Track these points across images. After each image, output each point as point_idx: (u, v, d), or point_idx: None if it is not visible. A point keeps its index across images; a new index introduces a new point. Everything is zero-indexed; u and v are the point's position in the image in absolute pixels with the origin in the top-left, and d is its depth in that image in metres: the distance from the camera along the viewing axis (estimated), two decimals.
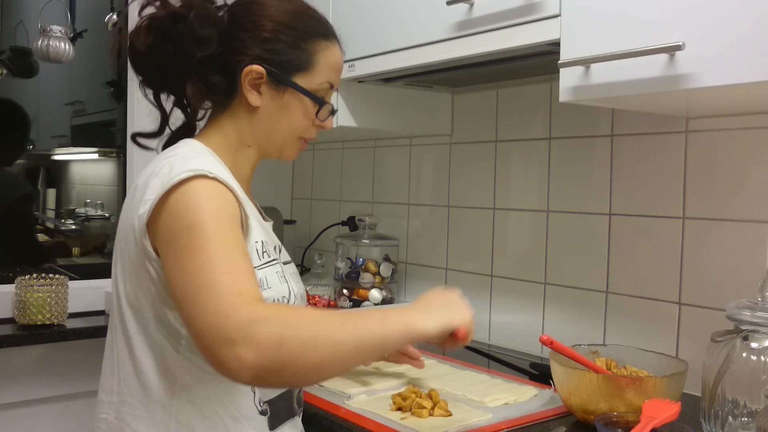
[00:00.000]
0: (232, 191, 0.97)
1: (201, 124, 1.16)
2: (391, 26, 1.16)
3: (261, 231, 1.09)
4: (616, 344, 1.33)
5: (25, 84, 2.68)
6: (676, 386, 1.11)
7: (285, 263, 1.14)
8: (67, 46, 2.18)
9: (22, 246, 2.51)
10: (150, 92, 1.14)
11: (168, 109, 1.15)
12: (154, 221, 0.96)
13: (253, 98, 1.08)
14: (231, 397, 1.02)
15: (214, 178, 0.96)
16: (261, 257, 1.06)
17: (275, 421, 1.07)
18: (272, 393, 1.07)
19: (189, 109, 1.13)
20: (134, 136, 1.17)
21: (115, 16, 2.30)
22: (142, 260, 0.99)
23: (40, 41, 2.15)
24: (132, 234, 0.99)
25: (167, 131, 1.16)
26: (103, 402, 1.07)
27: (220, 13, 1.10)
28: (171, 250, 0.92)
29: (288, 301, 1.09)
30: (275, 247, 1.13)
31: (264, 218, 1.16)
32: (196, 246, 0.90)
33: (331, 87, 1.14)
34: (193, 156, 1.01)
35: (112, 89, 2.63)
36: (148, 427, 1.01)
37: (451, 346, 1.03)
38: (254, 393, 1.04)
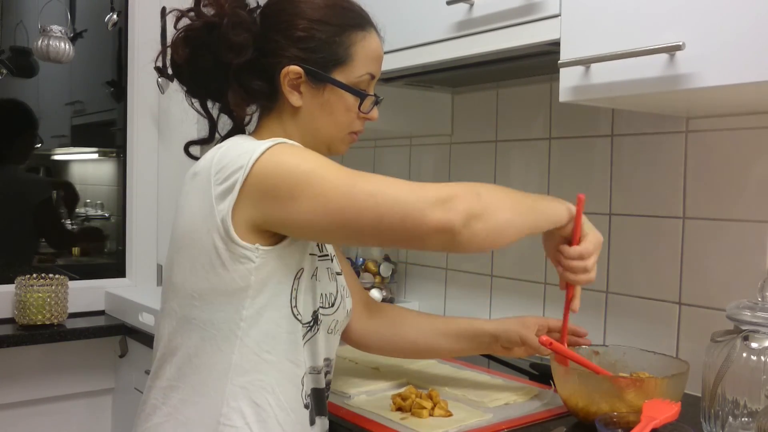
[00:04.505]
0: None
1: (250, 127, 1.17)
2: (391, 26, 1.16)
3: None
4: (618, 345, 1.32)
5: (25, 84, 2.68)
6: (678, 387, 1.11)
7: (337, 273, 1.16)
8: (67, 46, 2.18)
9: (55, 235, 2.69)
10: (196, 101, 1.15)
11: (215, 116, 1.16)
12: (244, 198, 0.96)
13: (294, 99, 1.08)
14: (282, 387, 1.03)
15: (294, 144, 1.00)
16: (321, 249, 1.10)
17: (313, 415, 1.09)
18: (309, 387, 1.08)
19: (235, 115, 1.13)
20: (186, 147, 1.16)
21: (115, 16, 2.31)
22: (212, 241, 0.99)
23: (40, 41, 2.15)
24: (199, 215, 0.99)
25: (217, 137, 1.17)
26: (152, 387, 1.08)
27: (253, 16, 1.10)
28: (304, 196, 0.95)
29: (335, 300, 1.12)
30: (327, 254, 1.14)
31: None
32: (332, 174, 0.96)
33: (372, 78, 1.13)
34: (253, 139, 1.04)
35: (112, 89, 2.63)
36: (199, 411, 1.01)
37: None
38: (302, 386, 1.06)
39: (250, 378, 1.01)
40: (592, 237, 1.10)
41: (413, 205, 0.93)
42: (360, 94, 1.10)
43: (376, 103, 1.14)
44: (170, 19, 1.10)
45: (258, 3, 1.13)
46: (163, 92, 2.27)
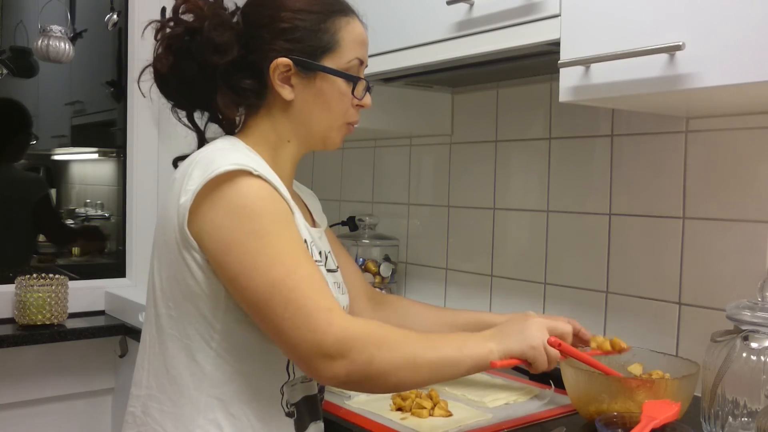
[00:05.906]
0: (277, 190, 0.98)
1: None
2: (391, 26, 1.16)
3: (305, 231, 1.08)
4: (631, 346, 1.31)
5: (25, 84, 2.69)
6: (688, 388, 1.10)
7: (329, 270, 1.14)
8: (67, 46, 2.18)
9: (54, 233, 2.73)
10: (183, 115, 1.14)
11: (202, 127, 1.15)
12: (197, 211, 0.96)
13: (286, 93, 1.07)
14: (260, 397, 1.02)
15: (259, 176, 0.96)
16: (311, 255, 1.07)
17: (301, 424, 1.07)
18: (299, 395, 1.07)
19: (224, 122, 1.12)
20: (175, 162, 1.15)
21: (115, 16, 2.31)
22: (180, 252, 0.98)
23: (40, 41, 2.15)
24: (171, 225, 0.99)
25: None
26: (132, 395, 1.07)
27: (234, 18, 1.09)
28: (234, 256, 0.93)
29: None
30: (321, 252, 1.13)
31: (313, 224, 1.18)
32: (268, 255, 0.93)
33: (361, 63, 1.12)
34: (231, 149, 1.01)
35: (112, 89, 2.63)
36: (175, 422, 1.00)
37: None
38: (282, 395, 1.04)
39: (226, 389, 1.00)
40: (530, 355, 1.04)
41: (308, 344, 0.91)
42: (352, 78, 1.09)
43: (368, 88, 1.13)
44: (149, 32, 1.08)
45: (237, 5, 1.12)
46: None
